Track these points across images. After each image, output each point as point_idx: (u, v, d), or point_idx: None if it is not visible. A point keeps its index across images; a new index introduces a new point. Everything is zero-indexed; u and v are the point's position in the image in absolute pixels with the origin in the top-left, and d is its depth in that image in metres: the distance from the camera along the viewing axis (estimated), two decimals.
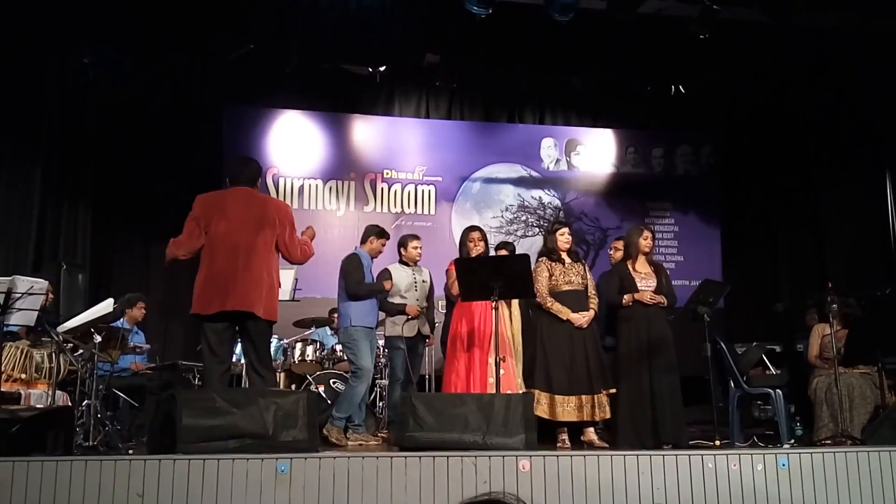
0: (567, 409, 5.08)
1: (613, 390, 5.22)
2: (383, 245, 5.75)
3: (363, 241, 5.75)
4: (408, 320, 5.71)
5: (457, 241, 8.41)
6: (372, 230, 5.77)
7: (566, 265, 5.33)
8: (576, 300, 5.24)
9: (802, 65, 7.83)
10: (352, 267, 5.54)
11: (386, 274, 5.70)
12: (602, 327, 5.52)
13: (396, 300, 5.76)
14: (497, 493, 1.44)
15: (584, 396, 5.10)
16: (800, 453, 3.84)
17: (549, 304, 5.21)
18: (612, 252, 6.17)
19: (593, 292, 5.36)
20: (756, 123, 9.28)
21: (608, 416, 5.19)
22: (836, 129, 8.77)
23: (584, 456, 3.67)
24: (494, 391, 4.61)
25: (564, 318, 5.18)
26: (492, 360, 5.08)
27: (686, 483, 3.66)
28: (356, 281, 5.48)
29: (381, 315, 5.79)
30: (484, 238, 5.52)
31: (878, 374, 5.27)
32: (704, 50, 7.38)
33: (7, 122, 7.33)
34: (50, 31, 6.96)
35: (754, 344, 6.81)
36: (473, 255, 5.37)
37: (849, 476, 3.82)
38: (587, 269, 5.45)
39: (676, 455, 3.73)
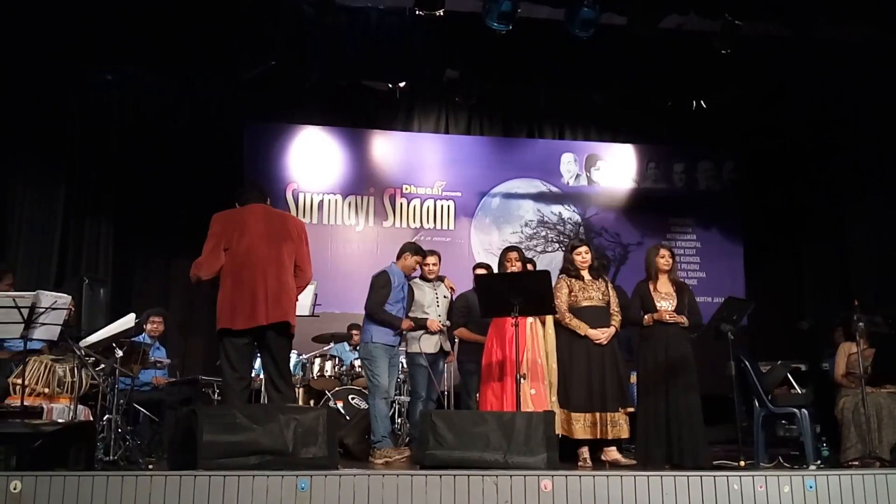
0: (582, 426, 5.04)
1: (631, 409, 5.16)
2: (417, 262, 5.69)
3: (398, 257, 5.71)
4: (424, 333, 5.63)
5: (476, 256, 8.53)
6: (408, 247, 5.74)
7: (586, 282, 5.32)
8: (595, 316, 5.21)
9: (825, 79, 7.74)
10: (377, 285, 5.52)
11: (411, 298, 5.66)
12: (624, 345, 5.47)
13: (419, 315, 5.72)
14: None
15: (598, 414, 5.06)
16: (827, 475, 3.78)
17: (567, 320, 5.21)
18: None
19: (616, 309, 5.32)
20: (779, 138, 9.19)
21: (626, 435, 5.15)
22: (859, 144, 8.67)
23: (608, 476, 3.63)
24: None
25: (582, 334, 5.16)
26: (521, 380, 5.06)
27: None
28: (376, 303, 5.46)
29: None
30: (521, 258, 5.52)
31: None
32: (726, 65, 7.33)
33: (31, 139, 7.45)
34: (73, 50, 7.05)
35: (779, 362, 6.68)
36: None
37: (878, 499, 3.75)
38: (609, 285, 5.41)
39: (701, 476, 3.67)
